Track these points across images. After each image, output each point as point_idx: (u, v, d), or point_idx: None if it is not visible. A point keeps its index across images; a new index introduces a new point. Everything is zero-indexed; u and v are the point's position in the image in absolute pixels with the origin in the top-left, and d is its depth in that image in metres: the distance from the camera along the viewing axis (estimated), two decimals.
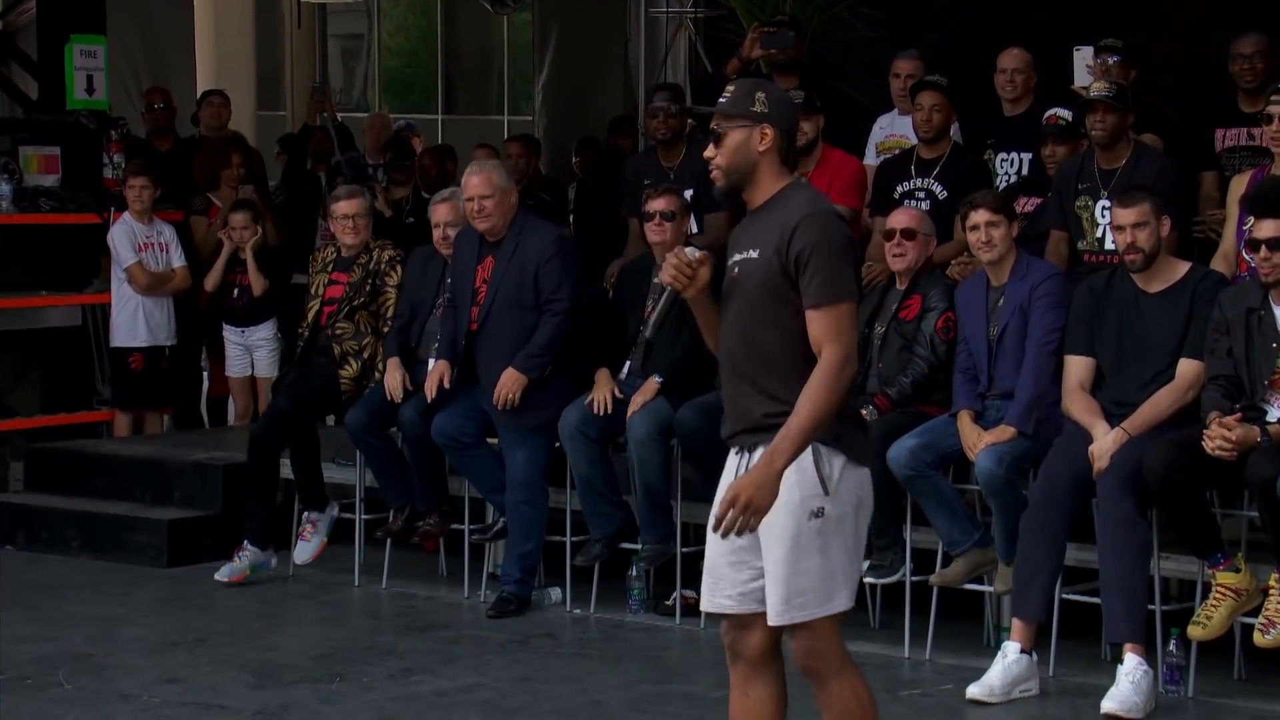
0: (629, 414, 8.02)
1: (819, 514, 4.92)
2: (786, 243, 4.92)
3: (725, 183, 5.06)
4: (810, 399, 4.87)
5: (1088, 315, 7.20)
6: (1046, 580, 7.03)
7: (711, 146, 5.05)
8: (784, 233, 4.93)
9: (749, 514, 4.84)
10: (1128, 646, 6.80)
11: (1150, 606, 7.01)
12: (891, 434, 7.41)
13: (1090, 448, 6.96)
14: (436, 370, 8.38)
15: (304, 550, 9.00)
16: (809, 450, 4.90)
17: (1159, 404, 6.99)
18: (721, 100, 5.08)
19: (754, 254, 5.00)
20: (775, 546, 4.95)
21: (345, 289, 9.00)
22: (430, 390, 8.33)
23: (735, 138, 5.01)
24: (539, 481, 8.27)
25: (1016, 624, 7.06)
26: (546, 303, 8.24)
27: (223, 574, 8.84)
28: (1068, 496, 7.03)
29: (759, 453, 4.93)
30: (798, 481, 4.91)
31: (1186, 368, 7.00)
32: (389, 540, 8.80)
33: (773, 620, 4.99)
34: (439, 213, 8.71)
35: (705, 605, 5.16)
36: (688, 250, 5.05)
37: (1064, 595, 7.21)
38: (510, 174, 10.94)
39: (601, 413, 8.07)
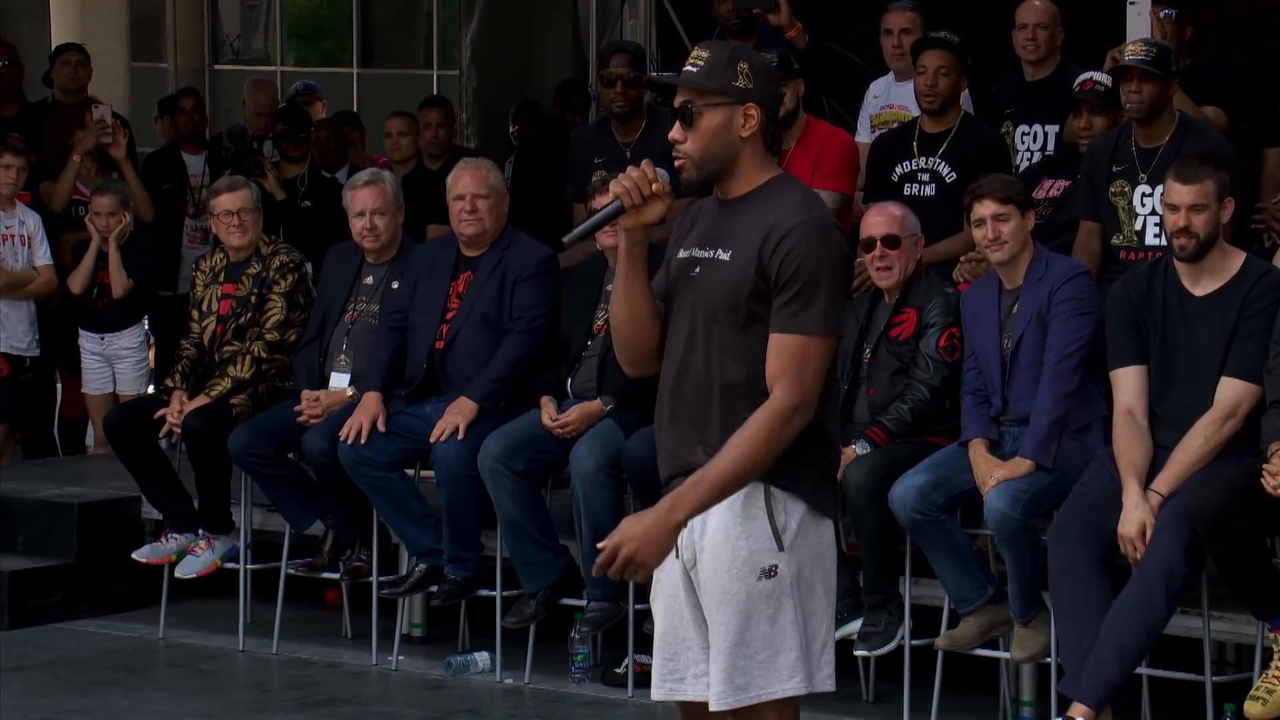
0: (560, 424, 8.08)
1: (771, 573, 4.87)
2: (771, 250, 4.82)
3: (699, 175, 4.90)
4: (742, 445, 4.77)
5: (1127, 319, 7.16)
6: (1096, 653, 6.93)
7: (679, 128, 4.88)
8: (769, 238, 4.83)
9: (630, 570, 4.74)
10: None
11: (1198, 676, 7.08)
12: (894, 468, 7.43)
13: (1120, 526, 6.93)
14: (369, 409, 8.42)
15: (191, 564, 8.99)
16: (761, 495, 4.86)
17: (1189, 448, 6.95)
18: (690, 69, 4.88)
19: (724, 255, 4.90)
20: (716, 612, 4.91)
21: (232, 304, 9.05)
22: (355, 432, 8.34)
23: (712, 120, 4.85)
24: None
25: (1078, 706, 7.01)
26: (514, 319, 8.40)
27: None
28: (1089, 558, 7.00)
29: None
30: (745, 533, 4.88)
31: (1227, 391, 6.97)
32: (280, 591, 8.79)
33: (714, 704, 4.93)
34: (361, 199, 8.73)
35: (655, 691, 5.09)
36: (660, 171, 4.88)
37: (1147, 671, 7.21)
38: (429, 146, 11.08)
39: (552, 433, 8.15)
